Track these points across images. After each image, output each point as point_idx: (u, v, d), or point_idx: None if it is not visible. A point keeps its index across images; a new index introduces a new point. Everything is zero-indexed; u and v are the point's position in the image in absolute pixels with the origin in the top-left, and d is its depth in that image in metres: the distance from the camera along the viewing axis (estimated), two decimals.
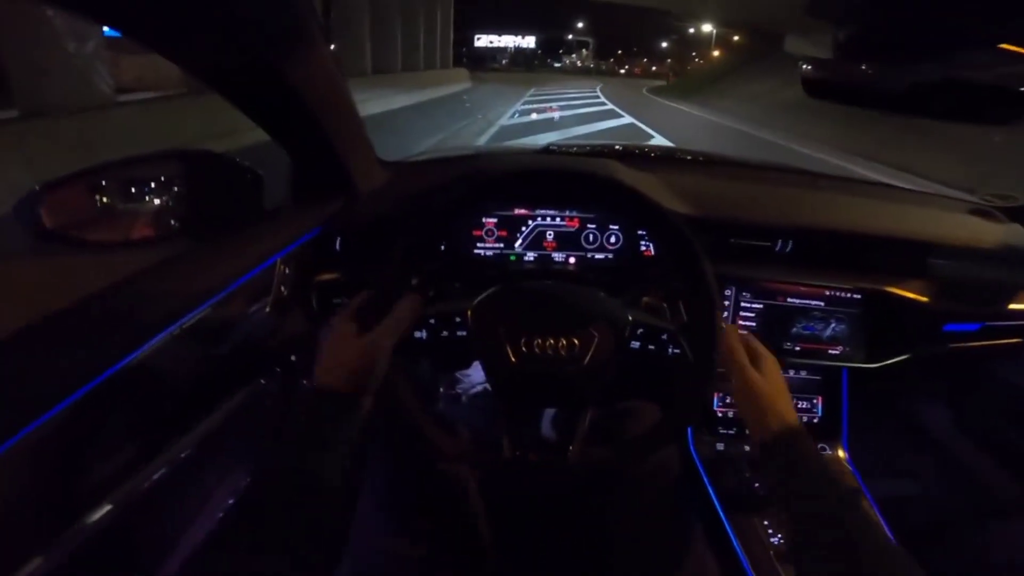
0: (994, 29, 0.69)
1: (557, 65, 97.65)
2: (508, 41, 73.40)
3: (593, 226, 1.11)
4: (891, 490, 1.24)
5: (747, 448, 1.13)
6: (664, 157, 1.51)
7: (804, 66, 0.85)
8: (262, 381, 0.94)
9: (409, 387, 0.71)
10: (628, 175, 1.12)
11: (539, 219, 1.11)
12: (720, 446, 1.15)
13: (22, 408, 0.48)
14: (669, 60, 78.44)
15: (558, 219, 1.11)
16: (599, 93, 24.89)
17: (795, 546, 0.57)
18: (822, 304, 1.15)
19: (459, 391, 1.22)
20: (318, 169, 0.96)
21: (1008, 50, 0.71)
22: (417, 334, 0.81)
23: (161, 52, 0.61)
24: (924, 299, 1.17)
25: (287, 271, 1.01)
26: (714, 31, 38.74)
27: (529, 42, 75.89)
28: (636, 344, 0.83)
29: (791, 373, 1.22)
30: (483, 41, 71.90)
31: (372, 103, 12.60)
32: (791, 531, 0.58)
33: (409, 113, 13.21)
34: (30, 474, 0.58)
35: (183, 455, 0.75)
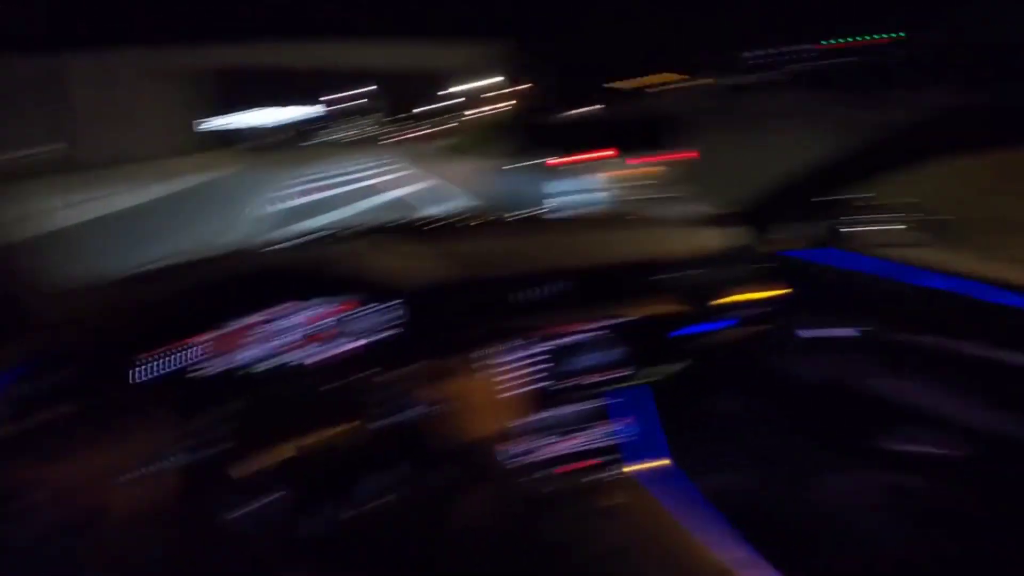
0: None
1: (338, 136, 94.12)
2: (278, 115, 69.33)
3: (363, 310, 1.15)
4: (719, 484, 1.34)
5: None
6: (437, 226, 1.60)
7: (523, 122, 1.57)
8: None
9: None
10: (380, 255, 1.22)
11: (300, 315, 1.12)
12: None
13: None
14: (461, 116, 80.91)
15: (321, 310, 1.13)
16: (388, 160, 23.81)
17: None
18: (593, 336, 1.29)
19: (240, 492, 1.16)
20: None
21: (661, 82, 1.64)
22: (177, 455, 0.92)
23: None
24: (677, 309, 1.37)
25: None
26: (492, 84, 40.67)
27: (300, 114, 72.97)
28: (403, 413, 1.03)
29: (585, 404, 1.32)
30: (243, 118, 66.95)
31: (88, 206, 11.00)
32: None
33: (147, 212, 10.84)
34: None
35: None
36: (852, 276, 1.50)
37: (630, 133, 0.99)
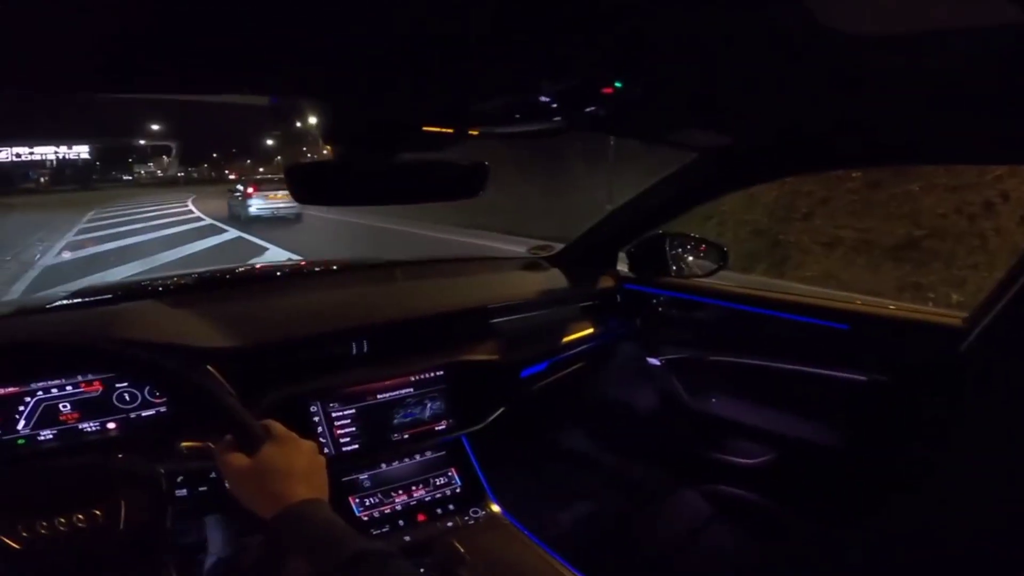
0: (416, 117, 0.81)
1: (128, 178, 78.70)
2: (47, 152, 56.08)
3: (124, 384, 1.03)
4: (560, 524, 1.40)
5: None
6: (221, 282, 1.48)
7: (286, 173, 0.85)
8: None
9: None
10: (175, 316, 1.12)
11: (40, 393, 0.99)
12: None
13: None
14: (279, 158, 72.05)
15: (69, 387, 1.00)
16: (192, 207, 21.00)
17: None
18: (412, 390, 1.24)
19: None
20: None
21: (433, 132, 0.84)
22: None
23: None
24: (496, 357, 1.33)
25: None
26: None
27: (82, 151, 59.23)
28: (184, 492, 0.94)
29: (417, 458, 1.29)
30: (18, 154, 53.86)
31: None
32: None
33: None
34: None
35: None
36: (669, 305, 1.60)
37: (434, 181, 0.93)
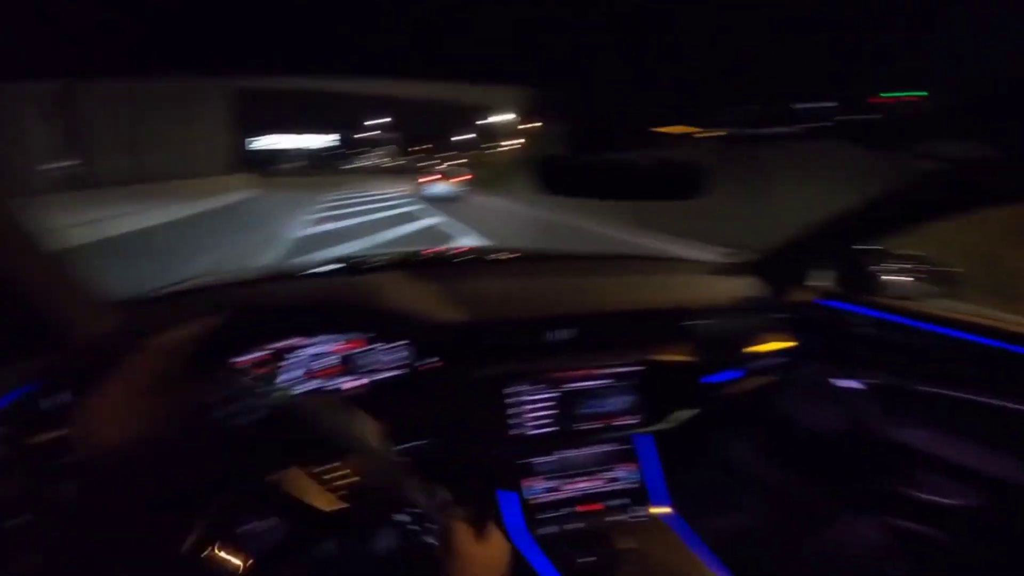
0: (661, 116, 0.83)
1: (359, 165, 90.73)
2: (303, 141, 67.34)
3: (373, 347, 1.12)
4: (721, 530, 1.30)
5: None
6: (445, 262, 1.63)
7: (538, 166, 0.93)
8: None
9: None
10: (400, 291, 1.21)
11: (310, 348, 1.09)
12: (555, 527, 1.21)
13: None
14: (473, 152, 79.53)
15: (332, 345, 1.10)
16: (412, 197, 22.80)
17: None
18: (605, 382, 1.28)
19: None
20: (8, 321, 0.89)
21: (664, 132, 0.87)
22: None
23: None
24: (687, 359, 1.35)
25: None
26: (516, 118, 38.59)
27: (326, 141, 72.42)
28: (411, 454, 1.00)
29: (596, 449, 1.32)
30: (274, 142, 66.68)
31: (125, 220, 11.02)
32: None
33: (172, 231, 10.94)
34: None
35: None
36: (869, 325, 1.49)
37: (650, 179, 0.95)
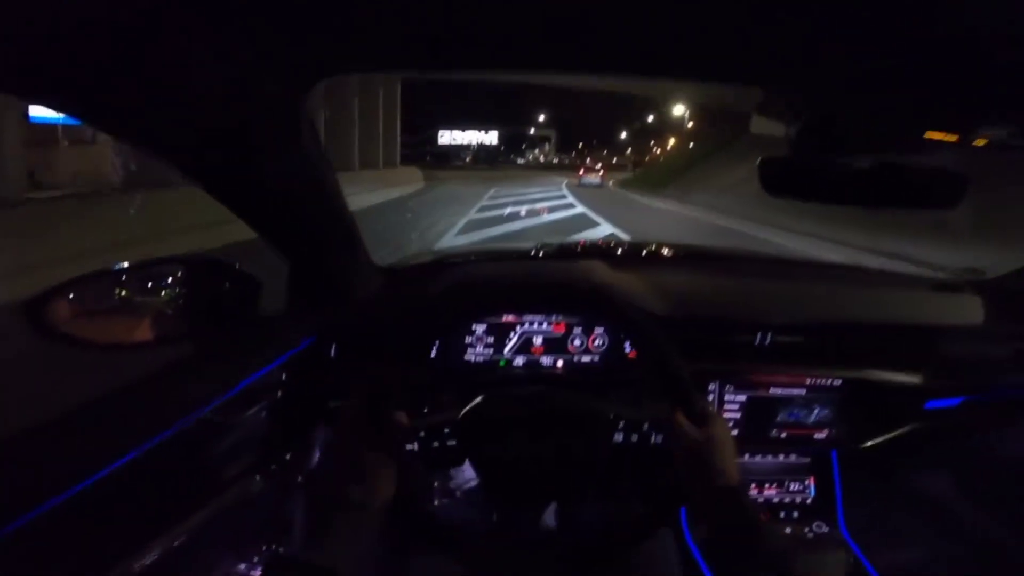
0: (921, 121, 0.76)
1: (520, 161, 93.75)
2: (471, 138, 70.91)
3: (579, 330, 1.13)
4: (895, 560, 1.25)
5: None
6: (648, 255, 1.58)
7: (760, 165, 0.88)
8: (257, 477, 0.93)
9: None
10: (611, 277, 1.20)
11: (527, 325, 1.13)
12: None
13: (20, 502, 0.50)
14: (629, 151, 77.06)
15: (544, 324, 1.13)
16: (565, 191, 23.92)
17: None
18: (804, 392, 1.18)
19: (452, 487, 1.26)
20: (313, 273, 0.98)
21: (934, 139, 0.78)
22: (408, 447, 0.84)
23: (138, 144, 0.60)
24: (903, 380, 1.22)
25: (284, 377, 0.99)
26: (686, 114, 35.98)
27: (492, 138, 72.71)
28: (620, 437, 0.90)
29: (781, 458, 1.26)
30: (445, 138, 70.07)
31: (352, 199, 13.34)
32: None
33: (387, 209, 13.56)
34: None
35: (176, 546, 0.74)
36: None
37: (912, 187, 0.86)
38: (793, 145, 0.79)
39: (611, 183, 33.20)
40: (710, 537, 0.73)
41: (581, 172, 30.49)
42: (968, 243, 7.48)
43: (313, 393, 1.02)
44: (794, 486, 1.28)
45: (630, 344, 1.13)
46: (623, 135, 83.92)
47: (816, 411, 1.22)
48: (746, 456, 1.26)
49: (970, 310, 1.40)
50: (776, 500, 1.28)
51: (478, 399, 0.86)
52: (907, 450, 1.36)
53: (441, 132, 70.04)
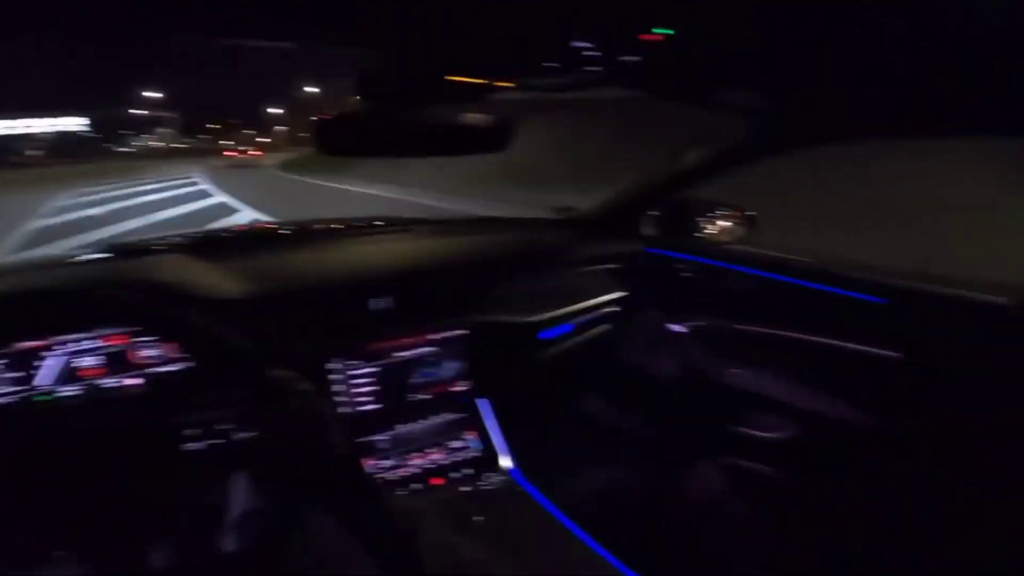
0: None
1: (126, 150, 73.99)
2: (43, 124, 53.44)
3: (148, 339, 1.01)
4: (571, 493, 1.24)
5: None
6: (231, 239, 1.49)
7: (317, 124, 0.88)
8: None
9: None
10: (177, 271, 1.09)
11: (62, 347, 0.97)
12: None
13: None
14: (286, 127, 69.22)
15: (91, 342, 0.98)
16: (199, 181, 19.28)
17: None
18: (432, 349, 1.22)
19: None
20: None
21: (456, 81, 0.82)
22: None
23: None
24: (516, 318, 1.30)
25: None
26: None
27: (78, 123, 57.12)
28: (204, 447, 0.91)
29: (434, 420, 1.27)
30: (8, 125, 53.09)
31: None
32: None
33: None
34: None
35: None
36: (699, 271, 1.52)
37: (459, 135, 0.86)
38: (349, 102, 0.87)
39: (271, 165, 28.31)
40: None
41: (229, 154, 27.29)
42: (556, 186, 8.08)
43: None
44: (456, 444, 1.28)
45: (187, 343, 0.99)
46: (273, 111, 75.52)
47: (448, 365, 1.25)
48: (399, 427, 1.24)
49: (568, 243, 1.54)
50: (444, 462, 1.26)
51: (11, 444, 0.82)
52: (551, 383, 1.52)
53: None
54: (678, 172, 1.51)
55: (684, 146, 1.43)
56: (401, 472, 1.21)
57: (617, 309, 1.55)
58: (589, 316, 1.47)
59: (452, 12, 0.62)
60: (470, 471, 1.26)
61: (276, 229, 1.62)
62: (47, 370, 0.96)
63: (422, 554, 0.95)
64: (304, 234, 1.50)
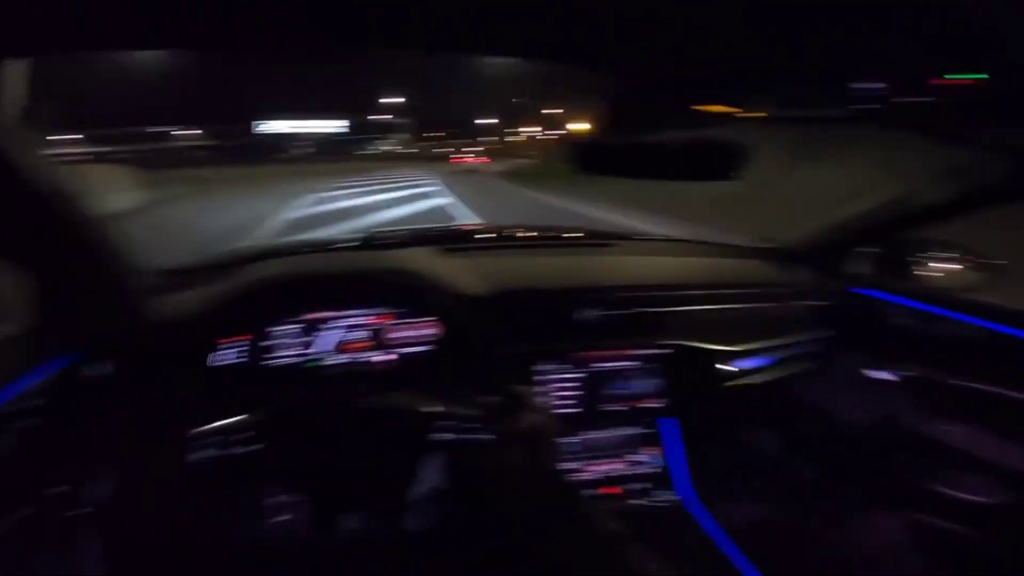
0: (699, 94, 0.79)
1: (372, 151, 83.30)
2: (311, 125, 64.41)
3: (399, 322, 1.09)
4: (742, 520, 1.26)
5: None
6: (467, 238, 1.56)
7: (574, 148, 0.94)
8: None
9: None
10: (429, 265, 1.17)
11: (336, 321, 1.06)
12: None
13: None
14: (496, 138, 73.76)
15: (356, 319, 1.07)
16: (436, 182, 20.95)
17: None
18: (635, 364, 1.25)
19: (255, 502, 1.05)
20: (58, 282, 0.85)
21: (704, 112, 0.82)
22: (199, 458, 0.84)
23: None
24: (717, 345, 1.29)
25: (39, 402, 0.86)
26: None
27: (337, 126, 66.63)
28: (441, 436, 0.92)
29: (621, 432, 1.31)
30: (278, 126, 62.42)
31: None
32: None
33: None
34: None
35: None
36: (907, 316, 1.43)
37: (685, 158, 0.90)
38: (602, 127, 0.87)
39: (494, 173, 28.73)
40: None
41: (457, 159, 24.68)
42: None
43: (80, 415, 0.88)
44: (635, 458, 1.31)
45: (443, 331, 1.08)
46: (492, 121, 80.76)
47: (646, 382, 1.26)
48: (586, 433, 1.28)
49: (774, 274, 1.52)
50: (622, 473, 1.28)
51: (283, 404, 0.88)
52: (739, 413, 1.51)
53: (260, 121, 63.68)
54: (910, 209, 1.38)
55: (926, 183, 1.33)
56: (579, 476, 1.25)
57: (818, 348, 1.48)
58: (789, 352, 1.43)
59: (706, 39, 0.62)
60: (645, 486, 1.28)
61: (500, 232, 1.67)
62: (322, 340, 1.06)
63: (578, 556, 0.92)
64: (522, 240, 1.58)
